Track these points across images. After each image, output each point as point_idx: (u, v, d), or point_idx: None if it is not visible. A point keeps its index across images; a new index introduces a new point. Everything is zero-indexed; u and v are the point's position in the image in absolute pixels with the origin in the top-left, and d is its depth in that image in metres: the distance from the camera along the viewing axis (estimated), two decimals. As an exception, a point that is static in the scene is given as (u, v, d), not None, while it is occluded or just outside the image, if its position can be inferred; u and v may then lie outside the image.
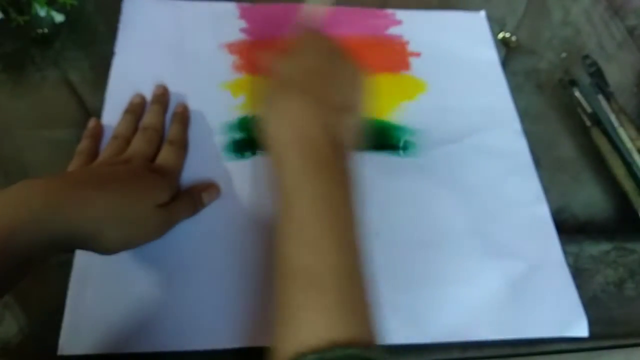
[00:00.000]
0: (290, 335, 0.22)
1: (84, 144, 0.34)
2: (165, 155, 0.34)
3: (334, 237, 0.24)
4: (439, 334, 0.31)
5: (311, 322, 0.22)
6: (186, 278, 0.32)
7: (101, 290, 0.31)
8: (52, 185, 0.26)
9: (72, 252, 0.32)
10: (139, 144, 0.34)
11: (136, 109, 0.37)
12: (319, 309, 0.22)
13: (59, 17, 0.41)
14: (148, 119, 0.36)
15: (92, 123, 0.36)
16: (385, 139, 0.39)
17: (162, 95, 0.38)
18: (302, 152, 0.27)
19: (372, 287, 0.24)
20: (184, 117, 0.37)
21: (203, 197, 0.34)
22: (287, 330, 0.23)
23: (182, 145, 0.36)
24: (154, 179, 0.31)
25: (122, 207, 0.28)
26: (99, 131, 0.36)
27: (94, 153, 0.34)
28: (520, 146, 0.40)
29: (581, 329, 0.33)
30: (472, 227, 0.36)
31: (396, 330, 0.31)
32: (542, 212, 0.37)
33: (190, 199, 0.33)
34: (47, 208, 0.24)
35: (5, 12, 0.40)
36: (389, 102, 0.41)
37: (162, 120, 0.37)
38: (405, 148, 0.39)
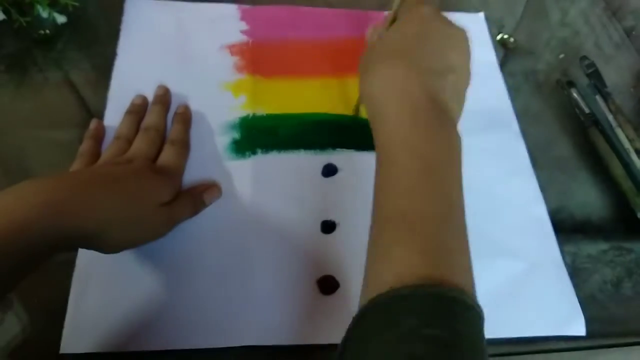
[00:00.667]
0: (384, 270, 0.23)
1: (85, 145, 0.35)
2: (167, 156, 0.34)
3: (429, 187, 0.25)
4: None
5: (405, 258, 0.22)
6: (187, 277, 0.32)
7: (103, 289, 0.31)
8: (55, 184, 0.26)
9: (75, 250, 0.32)
10: (140, 145, 0.34)
11: (138, 110, 0.37)
12: (412, 248, 0.23)
13: (61, 18, 0.41)
14: (150, 119, 0.36)
15: (93, 124, 0.36)
16: None
17: (164, 96, 0.38)
18: (402, 108, 0.27)
19: (467, 240, 0.25)
20: (185, 117, 0.38)
21: (204, 197, 0.34)
22: (380, 266, 0.23)
23: (183, 145, 0.36)
24: (156, 178, 0.31)
25: (124, 206, 0.28)
26: (100, 132, 0.36)
27: (96, 154, 0.35)
28: (518, 147, 0.41)
29: (578, 328, 0.33)
30: (471, 227, 0.36)
31: None
32: (540, 212, 0.38)
33: (192, 198, 0.33)
34: (50, 207, 0.25)
35: (7, 13, 0.40)
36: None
37: (164, 121, 0.37)
38: None
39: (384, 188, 0.26)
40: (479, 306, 0.22)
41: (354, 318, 0.22)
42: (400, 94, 0.28)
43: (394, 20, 0.34)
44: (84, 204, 0.26)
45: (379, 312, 0.22)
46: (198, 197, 0.34)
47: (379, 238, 0.25)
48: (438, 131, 0.27)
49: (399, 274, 0.22)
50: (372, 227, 0.25)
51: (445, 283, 0.22)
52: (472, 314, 0.22)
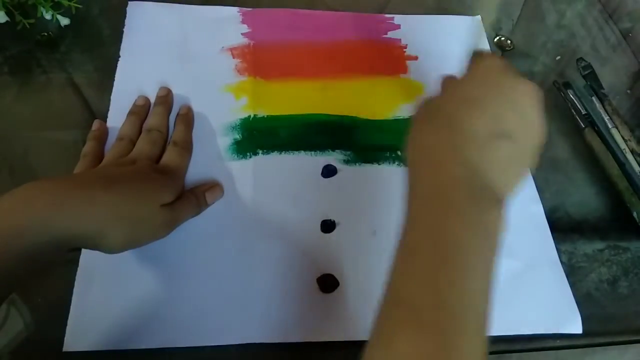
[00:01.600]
0: (379, 355, 0.21)
1: (88, 146, 0.35)
2: (169, 156, 0.34)
3: (448, 281, 0.22)
4: None
5: (402, 346, 0.21)
6: (189, 276, 0.32)
7: (106, 288, 0.31)
8: (58, 185, 0.26)
9: (78, 250, 0.32)
10: (143, 146, 0.34)
11: (140, 111, 0.38)
12: (414, 344, 0.21)
13: (64, 21, 0.42)
14: (152, 120, 0.37)
15: (96, 125, 0.37)
16: (384, 138, 0.40)
17: (166, 97, 0.39)
18: (434, 185, 0.24)
19: (484, 334, 0.22)
20: (187, 118, 0.38)
21: (207, 197, 0.34)
22: (377, 350, 0.22)
23: (186, 146, 0.36)
24: (158, 179, 0.31)
25: (127, 207, 0.28)
26: (103, 133, 0.37)
27: (99, 155, 0.35)
28: None
29: (575, 326, 0.34)
30: None
31: None
32: (537, 211, 0.38)
33: (194, 198, 0.33)
34: (53, 207, 0.25)
35: (10, 15, 0.41)
36: (387, 104, 0.42)
37: (166, 122, 0.37)
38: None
39: (398, 270, 0.23)
40: None
41: None
42: (435, 163, 0.25)
43: None
44: (86, 205, 0.26)
45: None
46: (200, 196, 0.34)
47: (384, 319, 0.22)
48: (470, 212, 0.23)
49: None
50: (379, 306, 0.23)
51: None
52: None
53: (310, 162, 0.38)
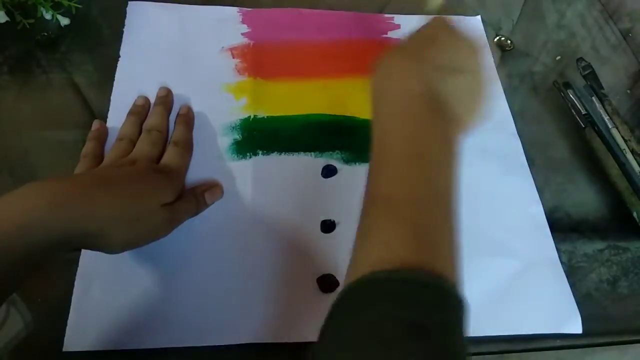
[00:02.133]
0: (365, 254, 0.23)
1: (88, 147, 0.35)
2: (169, 156, 0.34)
3: (417, 173, 0.25)
4: None
5: (386, 242, 0.23)
6: (189, 276, 0.32)
7: (106, 288, 0.31)
8: (58, 185, 0.26)
9: (78, 250, 0.32)
10: (143, 146, 0.34)
11: (140, 111, 0.38)
12: (394, 233, 0.23)
13: (64, 21, 0.42)
14: (152, 120, 0.37)
15: (95, 125, 0.37)
16: None
17: (165, 97, 0.39)
18: (398, 99, 0.27)
19: (456, 228, 0.25)
20: (188, 118, 0.38)
21: (206, 197, 0.34)
22: (362, 250, 0.24)
23: (186, 146, 0.36)
24: (158, 179, 0.31)
25: (126, 206, 0.28)
26: (102, 133, 0.37)
27: (99, 155, 0.35)
28: (515, 148, 0.41)
29: (575, 326, 0.34)
30: (468, 227, 0.36)
31: None
32: (537, 211, 0.38)
33: (193, 198, 0.33)
34: (53, 207, 0.25)
35: (10, 15, 0.40)
36: None
37: (166, 122, 0.37)
38: None
39: (373, 171, 0.26)
40: (459, 294, 0.22)
41: (332, 303, 0.22)
42: (403, 83, 0.28)
43: None
44: (85, 205, 0.26)
45: (355, 296, 0.22)
46: (200, 197, 0.34)
47: (363, 221, 0.25)
48: (433, 125, 0.27)
49: (379, 258, 0.22)
50: (361, 209, 0.25)
51: (424, 269, 0.21)
52: (451, 301, 0.22)
53: (310, 162, 0.38)
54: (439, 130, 0.27)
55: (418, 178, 0.25)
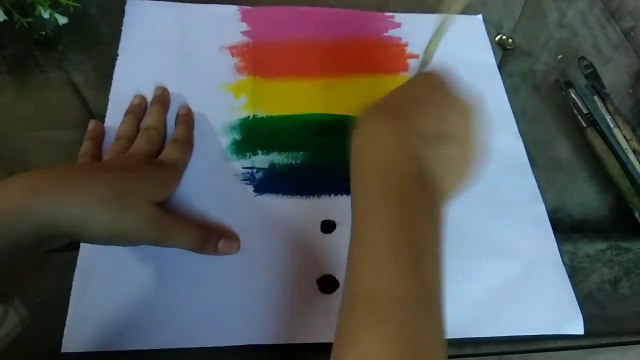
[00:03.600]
0: (350, 356, 0.21)
1: (85, 147, 0.35)
2: (168, 151, 0.34)
3: (405, 268, 0.22)
4: None
5: (371, 346, 0.21)
6: (189, 277, 0.32)
7: (104, 289, 0.31)
8: (35, 174, 0.26)
9: (76, 249, 0.32)
10: (140, 143, 0.34)
11: (137, 110, 0.37)
12: (377, 335, 0.21)
13: (62, 19, 0.42)
14: (149, 119, 0.37)
15: (91, 125, 0.36)
16: None
17: (161, 96, 0.38)
18: (383, 176, 0.25)
19: (444, 322, 0.23)
20: (188, 118, 0.38)
21: (221, 244, 0.32)
22: (346, 350, 0.21)
23: (186, 143, 0.36)
24: (149, 170, 0.31)
25: (109, 193, 0.27)
26: (99, 132, 0.36)
27: (96, 155, 0.35)
28: (517, 147, 0.41)
29: (577, 327, 0.33)
30: (470, 226, 0.36)
31: None
32: (539, 211, 0.38)
33: (195, 230, 0.31)
34: (29, 194, 0.25)
35: (8, 13, 0.40)
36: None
37: (163, 120, 0.37)
38: None
39: (354, 262, 0.23)
40: None
41: None
42: (383, 154, 0.25)
43: None
44: (64, 189, 0.26)
45: None
46: (213, 236, 0.32)
47: (347, 317, 0.22)
48: (421, 206, 0.24)
49: None
50: (342, 299, 0.23)
51: None
52: None
53: (311, 161, 0.38)
54: (426, 210, 0.25)
55: (409, 277, 0.22)
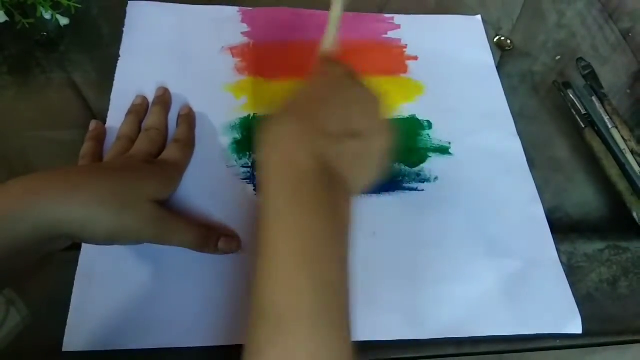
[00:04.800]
0: None
1: (86, 147, 0.35)
2: (169, 151, 0.34)
3: (308, 276, 0.22)
4: (436, 331, 0.32)
5: None
6: (189, 276, 0.32)
7: (106, 288, 0.31)
8: (35, 176, 0.26)
9: (78, 249, 0.32)
10: (142, 144, 0.34)
11: (138, 110, 0.38)
12: (283, 352, 0.21)
13: (63, 20, 0.42)
14: (150, 119, 0.37)
15: (93, 125, 0.36)
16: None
17: (163, 96, 0.39)
18: (286, 179, 0.24)
19: (352, 330, 0.22)
20: (189, 118, 0.38)
21: (222, 242, 0.32)
22: None
23: (188, 143, 0.36)
24: (149, 169, 0.31)
25: (109, 190, 0.27)
26: (101, 132, 0.36)
27: (97, 155, 0.35)
28: (515, 147, 0.41)
29: (575, 326, 0.34)
30: (468, 226, 0.37)
31: (394, 327, 0.32)
32: (537, 211, 0.38)
33: (198, 230, 0.31)
34: (28, 195, 0.25)
35: (10, 14, 0.40)
36: (387, 103, 0.42)
37: (165, 121, 0.37)
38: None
39: (259, 275, 0.23)
40: None
41: None
42: (285, 155, 0.25)
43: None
44: (63, 190, 0.26)
45: None
46: (212, 235, 0.32)
47: (254, 332, 0.22)
48: (322, 203, 0.24)
49: None
50: (250, 315, 0.22)
51: None
52: None
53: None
54: (330, 208, 0.24)
55: (309, 283, 0.22)
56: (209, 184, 0.36)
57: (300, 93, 0.28)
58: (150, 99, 0.39)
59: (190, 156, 0.36)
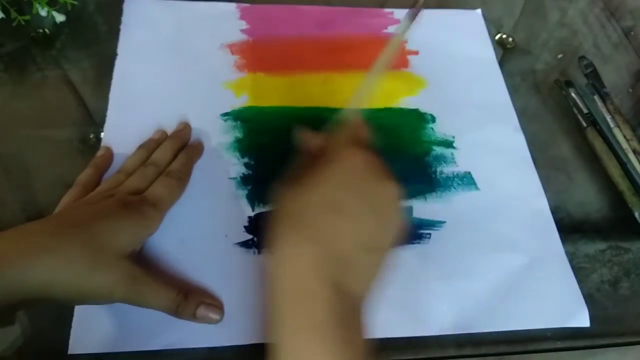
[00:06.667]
0: None
1: (85, 174, 0.33)
2: (154, 187, 0.31)
3: None
4: (442, 327, 0.32)
5: None
6: (192, 277, 0.32)
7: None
8: (3, 236, 0.25)
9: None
10: (133, 179, 0.32)
11: (150, 146, 0.35)
12: None
13: (60, 17, 0.41)
14: (155, 155, 0.34)
15: (102, 151, 0.35)
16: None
17: (180, 132, 0.36)
18: (300, 310, 0.23)
19: None
20: (191, 150, 0.36)
21: (199, 311, 0.29)
22: None
23: (178, 177, 0.33)
24: (124, 216, 0.28)
25: (79, 255, 0.26)
26: (106, 160, 0.35)
27: (92, 183, 0.33)
28: (518, 141, 0.41)
29: (582, 320, 0.33)
30: (474, 221, 0.36)
31: (398, 324, 0.32)
32: (542, 205, 0.38)
33: (172, 293, 0.29)
34: None
35: (6, 11, 0.40)
36: (388, 98, 0.42)
37: (170, 157, 0.34)
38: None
39: None
40: None
41: None
42: (299, 283, 0.24)
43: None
44: (34, 254, 0.25)
45: None
46: (190, 302, 0.29)
47: None
48: (339, 334, 0.23)
49: None
50: None
51: None
52: None
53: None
54: (348, 339, 0.23)
55: None
56: (208, 183, 0.35)
57: (315, 192, 0.26)
58: (151, 98, 0.38)
59: (178, 194, 0.33)
